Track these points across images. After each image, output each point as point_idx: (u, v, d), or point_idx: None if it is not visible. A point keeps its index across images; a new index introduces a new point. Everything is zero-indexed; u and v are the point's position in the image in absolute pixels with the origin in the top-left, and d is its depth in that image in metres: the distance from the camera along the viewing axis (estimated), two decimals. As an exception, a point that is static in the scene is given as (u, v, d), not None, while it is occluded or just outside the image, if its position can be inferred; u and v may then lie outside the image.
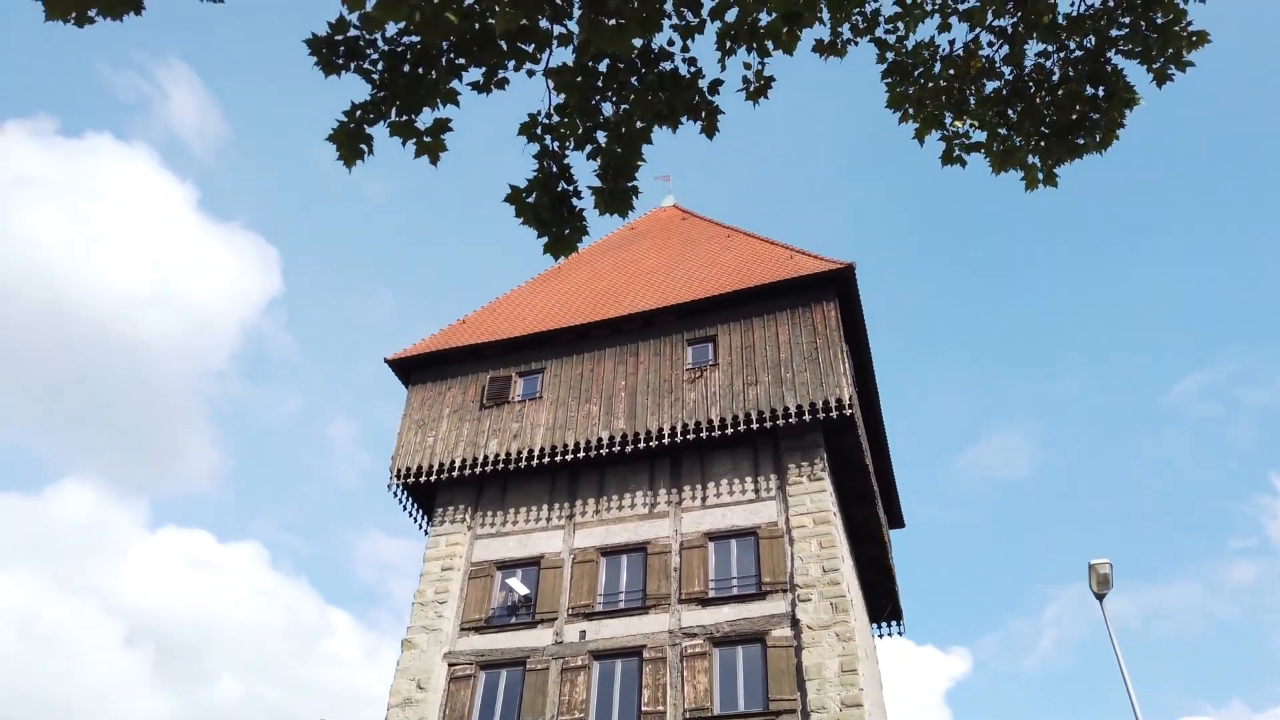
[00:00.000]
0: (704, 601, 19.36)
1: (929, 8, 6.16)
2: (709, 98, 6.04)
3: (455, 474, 22.62)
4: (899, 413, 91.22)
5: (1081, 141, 6.03)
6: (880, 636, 28.14)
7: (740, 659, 18.38)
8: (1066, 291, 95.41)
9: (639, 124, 5.98)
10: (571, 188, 5.95)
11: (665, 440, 21.43)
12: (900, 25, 6.18)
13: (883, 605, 27.54)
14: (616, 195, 6.09)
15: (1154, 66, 5.92)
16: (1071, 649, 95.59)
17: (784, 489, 20.58)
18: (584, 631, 19.60)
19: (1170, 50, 5.80)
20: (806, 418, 20.77)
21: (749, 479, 21.10)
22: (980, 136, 6.16)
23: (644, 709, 18.07)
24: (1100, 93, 5.97)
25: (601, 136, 5.98)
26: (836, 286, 22.85)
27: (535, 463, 22.12)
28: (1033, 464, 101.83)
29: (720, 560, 20.08)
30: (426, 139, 5.38)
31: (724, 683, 18.13)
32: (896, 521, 30.45)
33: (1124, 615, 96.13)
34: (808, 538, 19.62)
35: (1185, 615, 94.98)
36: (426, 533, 22.89)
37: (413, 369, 25.20)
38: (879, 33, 6.24)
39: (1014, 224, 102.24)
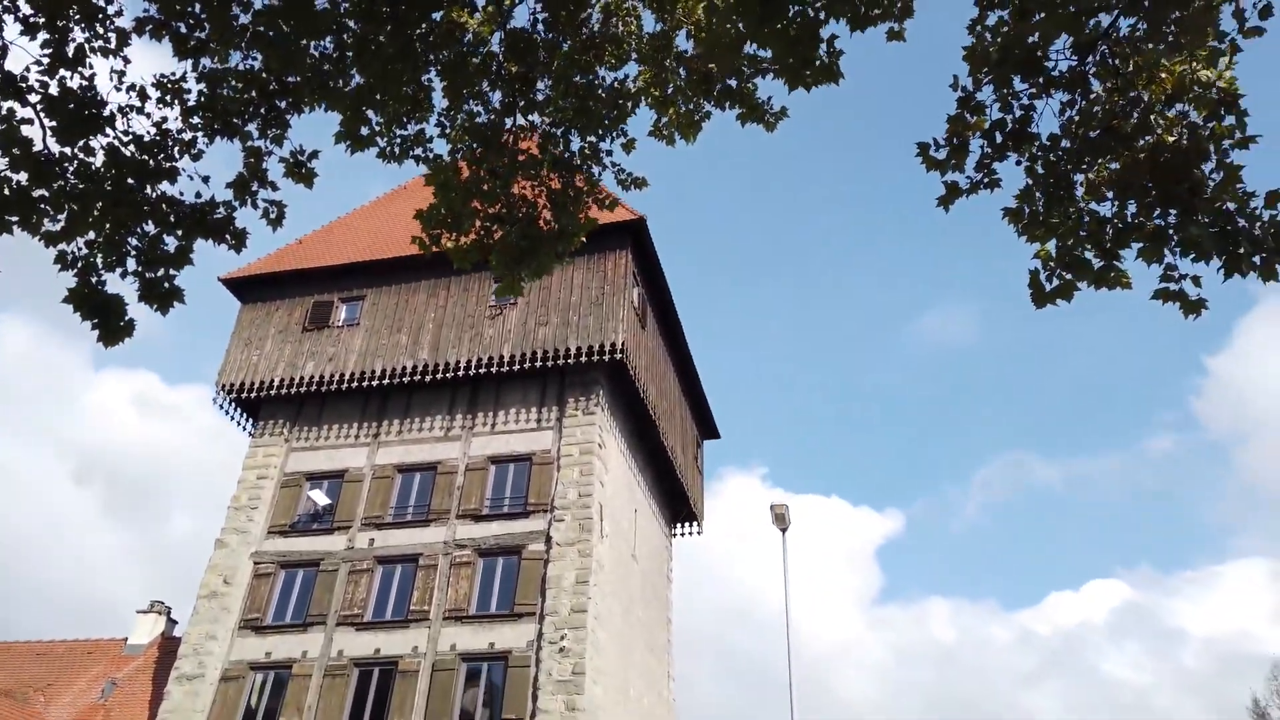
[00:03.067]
0: (477, 517, 22.33)
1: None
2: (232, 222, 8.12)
3: (275, 392, 24.88)
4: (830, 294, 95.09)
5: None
6: (678, 536, 31.69)
7: (499, 568, 21.51)
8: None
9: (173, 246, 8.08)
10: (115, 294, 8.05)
11: (462, 373, 23.89)
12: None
13: (680, 510, 31.03)
14: (160, 293, 8.18)
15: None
16: (996, 512, 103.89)
17: (561, 421, 23.35)
18: (373, 539, 22.51)
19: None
20: (584, 359, 23.35)
21: (534, 410, 23.79)
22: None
23: (412, 608, 21.21)
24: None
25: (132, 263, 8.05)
26: (631, 235, 25.05)
27: (346, 386, 24.46)
28: (976, 337, 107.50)
29: (498, 482, 22.96)
30: None
31: (483, 588, 21.29)
32: (712, 433, 33.83)
33: (1049, 483, 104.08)
34: (572, 465, 22.54)
35: (1107, 484, 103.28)
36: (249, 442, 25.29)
37: (245, 288, 26.97)
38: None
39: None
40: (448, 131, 8.14)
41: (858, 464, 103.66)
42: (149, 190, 7.63)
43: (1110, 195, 5.91)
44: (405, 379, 24.21)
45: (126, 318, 7.56)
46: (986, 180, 6.23)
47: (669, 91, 8.31)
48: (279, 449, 24.64)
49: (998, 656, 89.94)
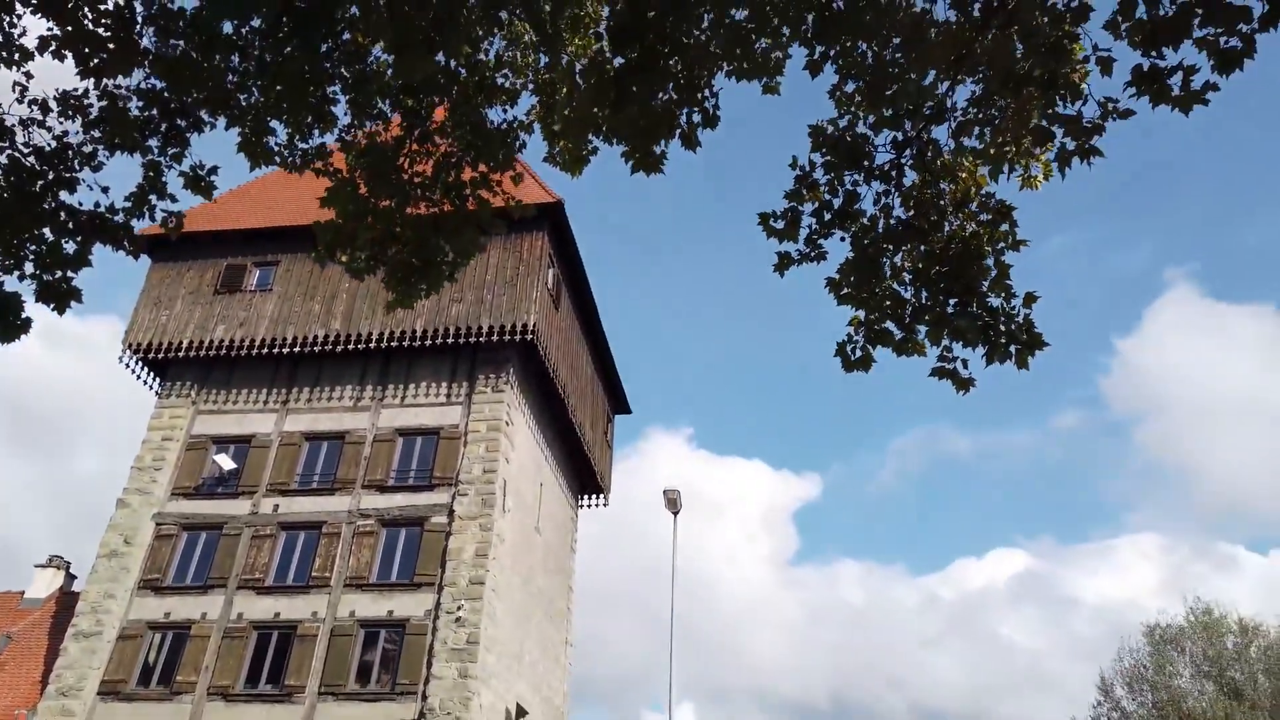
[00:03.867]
0: (383, 488, 22.87)
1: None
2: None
3: (183, 354, 24.86)
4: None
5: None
6: (584, 508, 32.63)
7: (402, 539, 22.15)
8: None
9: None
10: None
11: (374, 345, 24.23)
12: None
13: (587, 483, 31.98)
14: (57, 293, 8.57)
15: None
16: (909, 480, 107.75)
17: (470, 397, 23.95)
18: (277, 505, 22.89)
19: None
20: (496, 338, 23.93)
21: (444, 385, 24.32)
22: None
23: (314, 574, 21.74)
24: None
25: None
26: (549, 218, 25.56)
27: (257, 352, 24.59)
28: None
29: (405, 454, 23.49)
30: None
31: (384, 557, 21.92)
32: (623, 408, 34.80)
33: (961, 454, 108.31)
34: (479, 441, 23.20)
35: (1015, 457, 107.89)
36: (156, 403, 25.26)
37: (155, 246, 26.67)
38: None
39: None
40: (348, 147, 8.62)
41: (780, 429, 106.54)
42: (49, 200, 8.02)
43: (909, 279, 6.85)
44: (317, 348, 24.44)
45: (24, 316, 7.94)
46: (814, 254, 7.10)
47: (555, 128, 8.92)
48: (185, 411, 24.70)
49: (903, 618, 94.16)
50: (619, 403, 34.41)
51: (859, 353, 6.80)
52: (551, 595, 27.60)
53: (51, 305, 8.30)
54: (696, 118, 6.89)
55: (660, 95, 6.86)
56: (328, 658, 20.71)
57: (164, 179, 8.25)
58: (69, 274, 8.16)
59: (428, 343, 24.06)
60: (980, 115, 6.46)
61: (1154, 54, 5.33)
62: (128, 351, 25.20)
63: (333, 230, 8.48)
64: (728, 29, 6.79)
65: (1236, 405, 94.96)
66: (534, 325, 23.99)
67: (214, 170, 8.44)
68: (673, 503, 20.14)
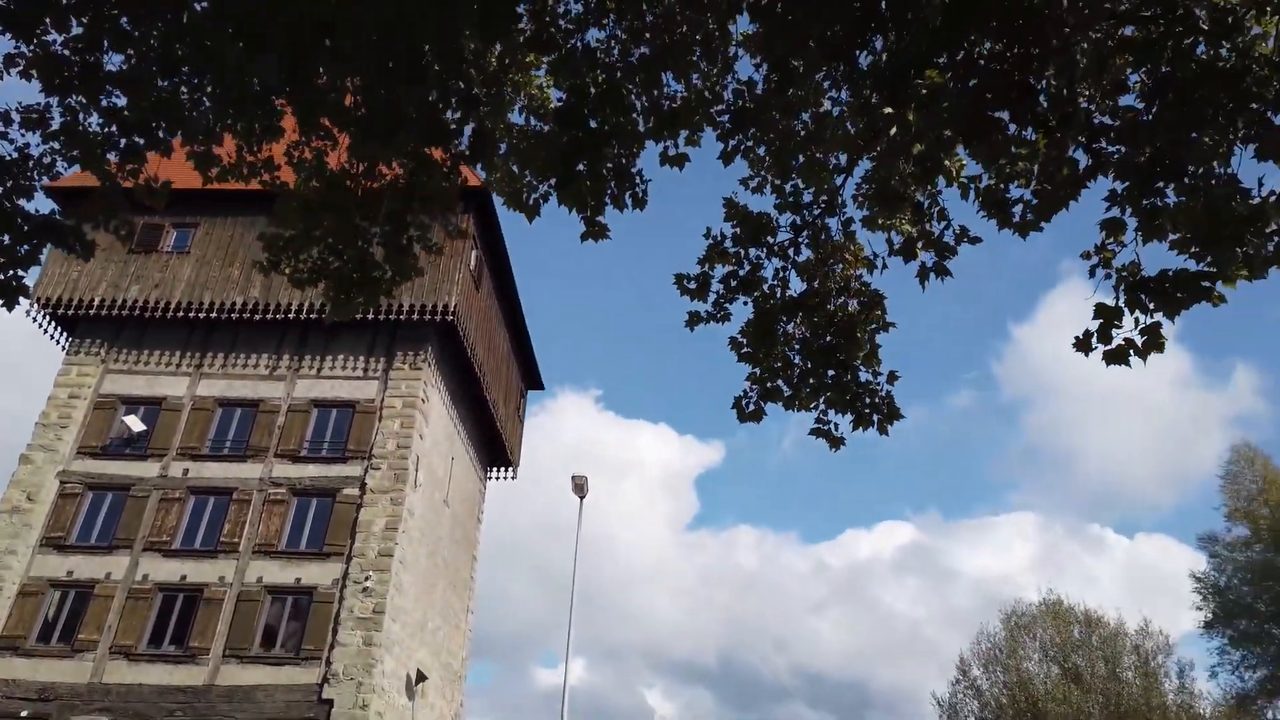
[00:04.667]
0: (295, 458, 23.34)
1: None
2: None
3: (95, 312, 24.63)
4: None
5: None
6: (493, 479, 33.55)
7: (313, 509, 22.72)
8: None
9: None
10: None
11: (293, 315, 24.50)
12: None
13: (497, 456, 32.89)
14: (7, 290, 9.05)
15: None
16: (808, 452, 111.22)
17: (388, 373, 24.52)
18: (187, 469, 23.12)
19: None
20: (416, 316, 24.50)
21: (362, 359, 24.80)
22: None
23: (222, 539, 22.16)
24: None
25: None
26: (474, 201, 26.12)
27: (172, 315, 24.56)
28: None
29: (319, 425, 23.97)
30: None
31: (294, 526, 22.47)
32: (537, 384, 35.73)
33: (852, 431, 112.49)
34: (394, 416, 23.85)
35: (911, 433, 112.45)
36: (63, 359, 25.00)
37: (71, 199, 26.12)
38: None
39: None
40: (298, 166, 9.31)
41: (687, 397, 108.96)
42: (5, 205, 8.56)
43: (799, 346, 8.07)
44: (234, 315, 24.57)
45: (-25, 311, 8.46)
46: (720, 315, 8.24)
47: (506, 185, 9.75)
48: (94, 369, 24.55)
49: (793, 584, 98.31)
50: (532, 378, 35.32)
51: (753, 406, 7.98)
52: (456, 565, 28.55)
53: (2, 303, 8.84)
54: (628, 199, 7.92)
55: (603, 172, 7.85)
56: (233, 621, 21.24)
57: (120, 193, 8.84)
58: (19, 273, 8.71)
59: (319, 284, 24.38)
60: (866, 216, 7.68)
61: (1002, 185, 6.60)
62: (35, 305, 24.81)
63: (280, 241, 9.21)
64: (656, 114, 7.82)
65: (1114, 396, 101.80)
66: (455, 306, 24.66)
67: (167, 185, 9.07)
68: (579, 488, 21.26)
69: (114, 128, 8.81)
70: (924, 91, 5.06)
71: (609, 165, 7.86)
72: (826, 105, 7.49)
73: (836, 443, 7.74)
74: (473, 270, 26.43)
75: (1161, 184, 5.92)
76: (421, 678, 24.04)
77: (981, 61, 5.03)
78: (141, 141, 9.07)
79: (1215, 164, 5.77)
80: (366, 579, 21.43)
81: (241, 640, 21.00)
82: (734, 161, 7.81)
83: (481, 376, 27.86)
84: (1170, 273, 5.72)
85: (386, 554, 21.84)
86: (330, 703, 20.26)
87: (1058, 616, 32.57)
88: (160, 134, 9.07)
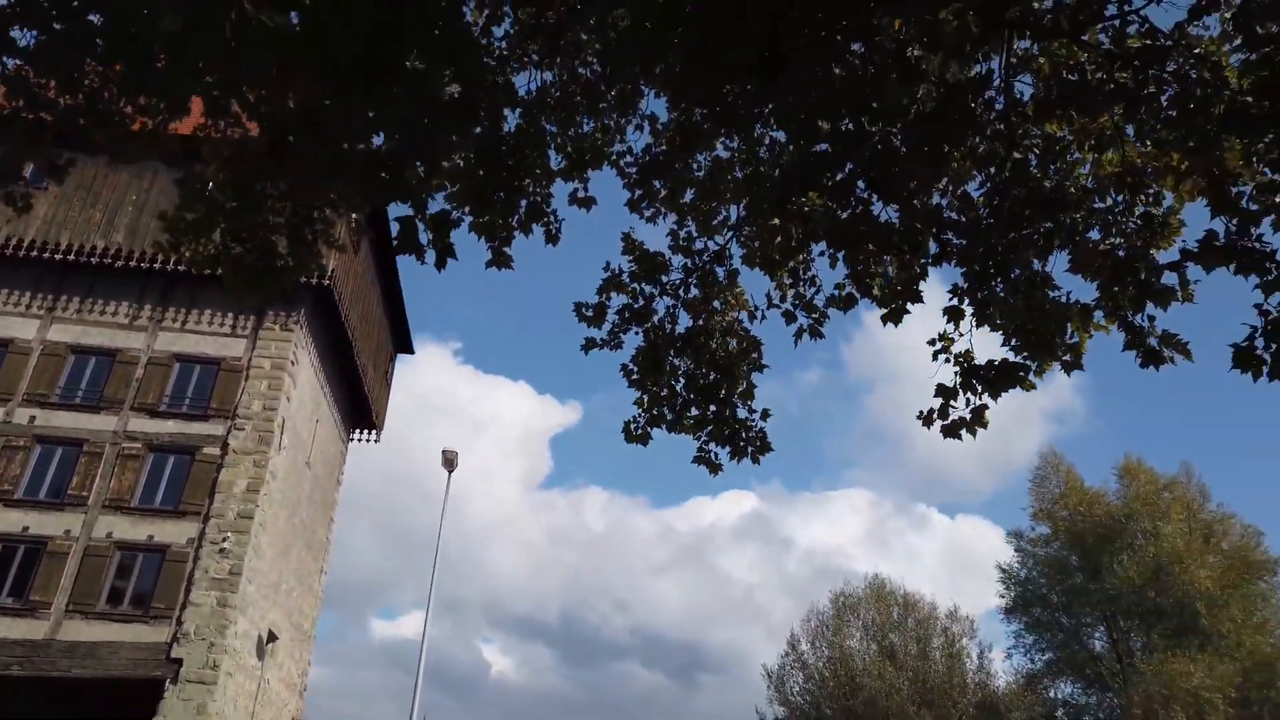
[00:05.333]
0: (154, 413, 22.75)
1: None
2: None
3: (-66, 242, 23.06)
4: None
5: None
6: (354, 441, 33.39)
7: (170, 466, 22.27)
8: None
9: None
10: None
11: (157, 265, 23.69)
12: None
13: (362, 419, 32.76)
14: None
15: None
16: None
17: (257, 333, 24.13)
18: (34, 417, 22.16)
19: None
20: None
21: (230, 316, 24.28)
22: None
23: (70, 491, 21.46)
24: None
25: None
26: (359, 164, 25.82)
27: (24, 253, 23.29)
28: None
29: (181, 381, 23.39)
30: None
31: (149, 483, 21.98)
32: (407, 348, 35.66)
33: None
34: (261, 378, 23.56)
35: (763, 404, 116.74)
36: (-106, 289, 23.30)
37: (-92, 115, 24.21)
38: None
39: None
40: (211, 149, 9.51)
41: (548, 355, 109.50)
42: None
43: (684, 379, 9.03)
44: (94, 259, 23.54)
45: None
46: (613, 343, 9.08)
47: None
48: (-69, 304, 23.04)
49: (639, 546, 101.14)
50: (403, 341, 35.19)
51: (640, 430, 8.90)
52: (314, 526, 28.46)
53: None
54: (539, 229, 8.62)
55: (519, 206, 8.51)
56: (79, 576, 20.70)
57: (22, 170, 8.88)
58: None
59: (216, 271, 23.80)
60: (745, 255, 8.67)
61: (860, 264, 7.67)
62: None
63: (182, 224, 9.43)
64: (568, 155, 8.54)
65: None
66: (332, 271, 24.47)
67: (72, 161, 9.15)
68: (449, 462, 21.78)
69: (20, 102, 8.85)
70: (805, 210, 6.05)
71: (524, 200, 8.55)
72: (719, 149, 8.43)
73: (715, 469, 8.76)
74: (353, 233, 26.16)
75: (993, 279, 7.18)
76: (273, 638, 24.08)
77: (858, 188, 6.05)
78: (48, 118, 9.14)
79: (1035, 261, 7.05)
80: (224, 540, 21.29)
81: (87, 595, 20.52)
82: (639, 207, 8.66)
83: (354, 342, 27.73)
84: (995, 362, 6.98)
85: (246, 516, 21.72)
86: (179, 662, 20.15)
87: (880, 599, 35.49)
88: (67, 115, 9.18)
